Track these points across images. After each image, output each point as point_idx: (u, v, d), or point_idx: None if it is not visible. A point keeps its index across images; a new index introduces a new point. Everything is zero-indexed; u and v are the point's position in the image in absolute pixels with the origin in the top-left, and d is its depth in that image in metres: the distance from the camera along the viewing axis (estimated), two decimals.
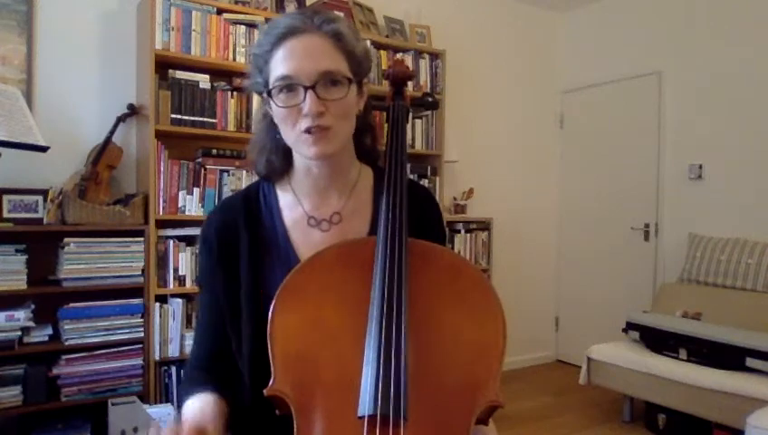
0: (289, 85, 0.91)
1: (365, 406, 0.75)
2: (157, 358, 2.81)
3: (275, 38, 0.92)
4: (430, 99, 1.17)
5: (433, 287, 0.88)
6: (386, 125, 1.07)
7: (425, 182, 3.83)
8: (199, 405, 0.90)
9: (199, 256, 1.06)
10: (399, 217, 0.91)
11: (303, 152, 0.95)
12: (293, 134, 0.93)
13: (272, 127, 1.00)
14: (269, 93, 0.93)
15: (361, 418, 0.75)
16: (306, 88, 0.90)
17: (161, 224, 2.86)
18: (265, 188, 1.07)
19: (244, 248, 1.00)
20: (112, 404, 2.50)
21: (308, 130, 0.91)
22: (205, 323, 1.03)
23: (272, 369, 0.81)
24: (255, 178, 1.10)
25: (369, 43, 3.55)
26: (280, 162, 1.03)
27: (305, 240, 1.00)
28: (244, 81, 1.03)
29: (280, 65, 0.91)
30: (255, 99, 2.94)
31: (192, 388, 0.96)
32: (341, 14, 3.38)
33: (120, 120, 2.93)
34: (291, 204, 1.03)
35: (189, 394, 0.95)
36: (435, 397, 0.79)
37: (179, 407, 0.97)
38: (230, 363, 0.99)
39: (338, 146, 0.95)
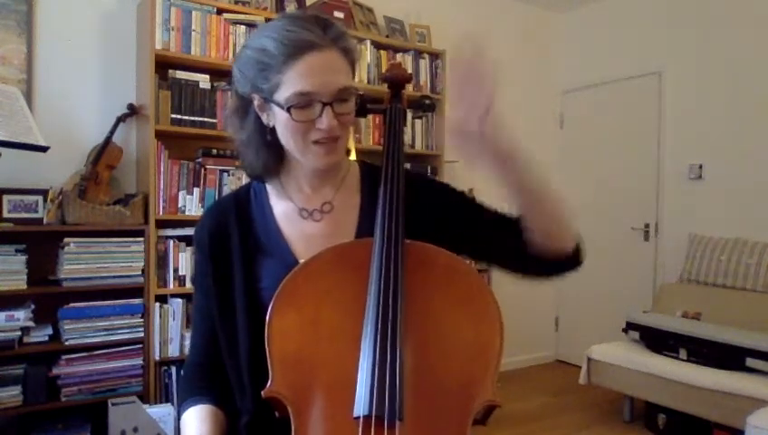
0: (306, 103, 0.90)
1: (360, 407, 0.76)
2: (157, 358, 2.81)
3: (292, 50, 0.89)
4: (427, 101, 1.18)
5: (429, 288, 0.88)
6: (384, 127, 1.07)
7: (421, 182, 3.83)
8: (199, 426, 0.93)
9: (193, 258, 1.08)
10: (396, 219, 0.91)
11: (312, 163, 0.97)
12: (302, 145, 0.94)
13: (261, 130, 0.99)
14: (288, 110, 0.90)
15: (357, 418, 0.76)
16: (324, 104, 0.90)
17: (161, 224, 2.86)
18: (256, 186, 1.08)
19: (235, 247, 1.01)
20: (112, 404, 2.50)
21: (317, 142, 0.93)
22: (199, 323, 1.05)
23: (269, 371, 0.82)
24: None
25: (369, 42, 3.55)
26: (272, 161, 1.02)
27: (298, 232, 1.01)
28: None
29: (298, 81, 0.89)
30: None
31: (191, 397, 0.98)
32: (340, 15, 3.39)
33: (120, 120, 2.94)
34: (282, 199, 1.04)
35: (188, 404, 0.97)
36: (431, 397, 0.80)
37: (179, 414, 0.99)
38: (224, 363, 1.00)
39: (342, 154, 0.99)
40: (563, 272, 1.03)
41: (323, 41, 0.90)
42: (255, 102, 0.96)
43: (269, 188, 1.06)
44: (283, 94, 0.90)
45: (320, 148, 0.94)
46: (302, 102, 0.90)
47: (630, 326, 3.62)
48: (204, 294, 1.03)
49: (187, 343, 2.85)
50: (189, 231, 2.89)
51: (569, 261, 1.01)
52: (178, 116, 2.90)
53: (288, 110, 0.91)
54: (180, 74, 2.94)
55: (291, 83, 0.90)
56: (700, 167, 4.01)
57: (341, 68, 0.93)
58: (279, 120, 0.94)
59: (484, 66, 0.83)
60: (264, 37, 0.92)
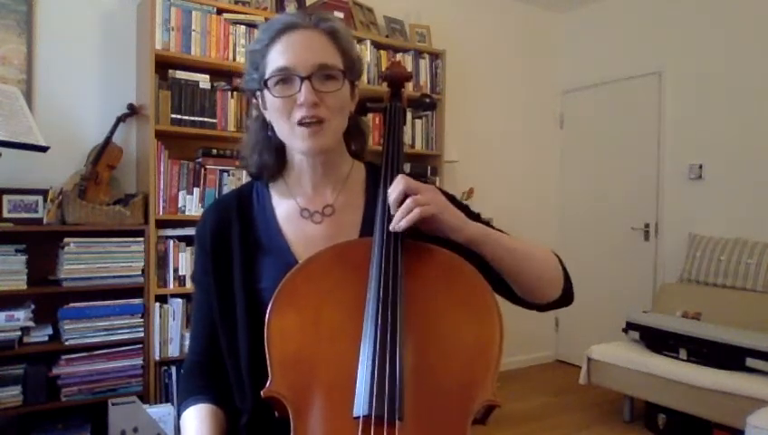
0: (285, 78, 0.93)
1: (360, 406, 0.76)
2: (157, 358, 2.81)
3: (273, 33, 0.95)
4: (428, 99, 1.17)
5: (429, 287, 0.88)
6: (383, 126, 1.07)
7: (424, 182, 3.82)
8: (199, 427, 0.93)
9: (194, 255, 1.07)
10: None
11: (297, 146, 0.96)
12: (288, 126, 0.95)
13: (264, 127, 1.02)
14: (265, 84, 0.94)
15: (357, 418, 0.76)
16: (302, 79, 0.91)
17: (161, 224, 2.86)
18: (259, 185, 1.08)
19: (236, 244, 1.01)
20: (112, 404, 2.50)
21: (302, 123, 0.92)
22: (199, 321, 1.04)
23: (269, 371, 0.82)
24: None
25: (369, 42, 3.55)
26: (273, 160, 1.04)
27: (298, 232, 1.01)
28: (241, 80, 1.05)
29: (277, 58, 0.93)
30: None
31: (190, 396, 0.98)
32: (340, 15, 3.39)
33: (120, 120, 2.94)
34: (284, 198, 1.05)
35: (188, 404, 0.97)
36: (431, 397, 0.80)
37: (178, 414, 0.99)
38: (224, 361, 1.00)
39: (330, 141, 0.96)
40: (552, 309, 1.05)
41: (304, 21, 0.95)
42: (259, 100, 1.00)
43: (272, 188, 1.06)
44: (266, 74, 0.95)
45: (304, 129, 0.93)
46: (280, 77, 0.93)
47: (630, 326, 3.62)
48: (204, 291, 1.02)
49: (187, 342, 2.85)
50: (189, 231, 2.89)
51: (555, 304, 1.04)
52: (178, 116, 2.90)
53: (266, 84, 0.94)
54: (180, 74, 2.93)
55: (271, 62, 0.94)
56: (700, 167, 4.01)
57: (323, 46, 0.94)
58: (269, 107, 0.97)
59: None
60: (257, 33, 0.99)
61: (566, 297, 1.04)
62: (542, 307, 1.04)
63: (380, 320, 0.81)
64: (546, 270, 1.00)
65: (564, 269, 1.04)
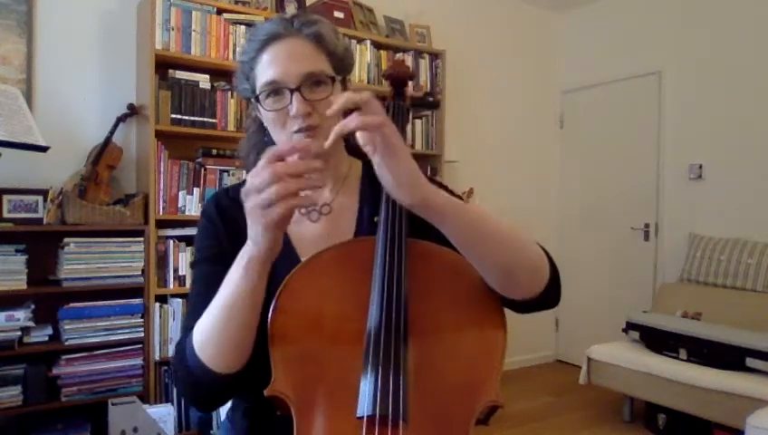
0: (275, 90, 0.93)
1: (364, 407, 0.76)
2: (157, 358, 2.81)
3: (258, 44, 0.95)
4: (431, 98, 1.17)
5: (433, 288, 0.88)
6: None
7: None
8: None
9: (199, 232, 1.03)
10: (399, 219, 0.90)
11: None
12: (284, 136, 0.95)
13: (261, 129, 1.02)
14: (257, 99, 0.95)
15: (361, 418, 0.76)
16: (292, 91, 0.91)
17: (161, 224, 2.86)
18: None
19: (242, 234, 0.98)
20: (112, 404, 2.50)
21: (298, 131, 0.92)
22: (202, 295, 0.93)
23: (272, 369, 0.82)
24: None
25: (369, 42, 3.55)
26: None
27: (297, 231, 1.01)
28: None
29: (265, 71, 0.93)
30: None
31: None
32: (340, 15, 3.39)
33: (120, 120, 2.93)
34: None
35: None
36: (435, 397, 0.80)
37: (185, 352, 0.87)
38: None
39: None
40: (531, 311, 0.89)
41: (287, 30, 0.94)
42: (255, 106, 1.00)
43: None
44: (257, 88, 0.95)
45: (300, 137, 0.93)
46: (270, 91, 0.93)
47: (630, 326, 3.62)
48: (215, 264, 0.94)
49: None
50: (189, 231, 2.89)
51: (534, 303, 0.87)
52: (178, 116, 2.90)
53: (257, 99, 0.94)
54: (180, 74, 2.93)
55: (260, 76, 0.94)
56: (700, 167, 4.01)
57: (307, 53, 0.94)
58: (264, 118, 0.97)
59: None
60: (245, 43, 0.98)
61: (548, 296, 0.87)
62: (519, 305, 0.87)
63: (384, 320, 0.81)
64: (522, 257, 0.83)
65: (552, 263, 0.89)
